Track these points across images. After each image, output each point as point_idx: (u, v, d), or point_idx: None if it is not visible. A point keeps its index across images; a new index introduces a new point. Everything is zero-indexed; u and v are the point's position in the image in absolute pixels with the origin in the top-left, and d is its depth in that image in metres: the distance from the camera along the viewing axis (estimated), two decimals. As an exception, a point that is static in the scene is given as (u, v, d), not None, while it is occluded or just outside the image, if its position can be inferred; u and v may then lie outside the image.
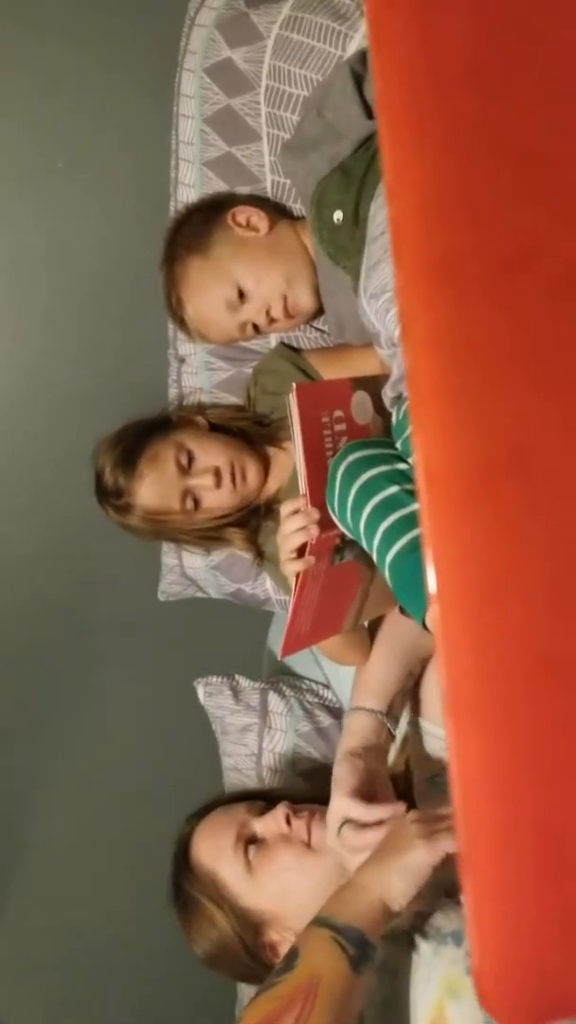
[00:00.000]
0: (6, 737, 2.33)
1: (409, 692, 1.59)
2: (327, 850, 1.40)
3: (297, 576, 1.32)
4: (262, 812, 1.51)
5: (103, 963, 2.40)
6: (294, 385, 1.27)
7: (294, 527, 1.32)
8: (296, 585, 1.32)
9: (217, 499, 1.80)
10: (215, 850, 1.49)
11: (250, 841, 1.47)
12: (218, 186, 1.91)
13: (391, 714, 1.52)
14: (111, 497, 1.81)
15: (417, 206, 0.53)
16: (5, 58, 2.02)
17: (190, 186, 1.93)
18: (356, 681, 1.57)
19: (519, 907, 0.54)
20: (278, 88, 1.81)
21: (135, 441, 1.81)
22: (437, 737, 1.54)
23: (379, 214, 1.36)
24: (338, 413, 1.35)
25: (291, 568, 1.33)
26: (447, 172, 0.54)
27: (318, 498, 1.30)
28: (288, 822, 1.46)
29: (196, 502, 1.80)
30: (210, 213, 1.83)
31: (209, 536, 1.88)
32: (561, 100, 0.56)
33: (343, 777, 1.41)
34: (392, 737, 1.53)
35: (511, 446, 0.54)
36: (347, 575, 1.40)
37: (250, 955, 1.45)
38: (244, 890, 1.44)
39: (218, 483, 1.78)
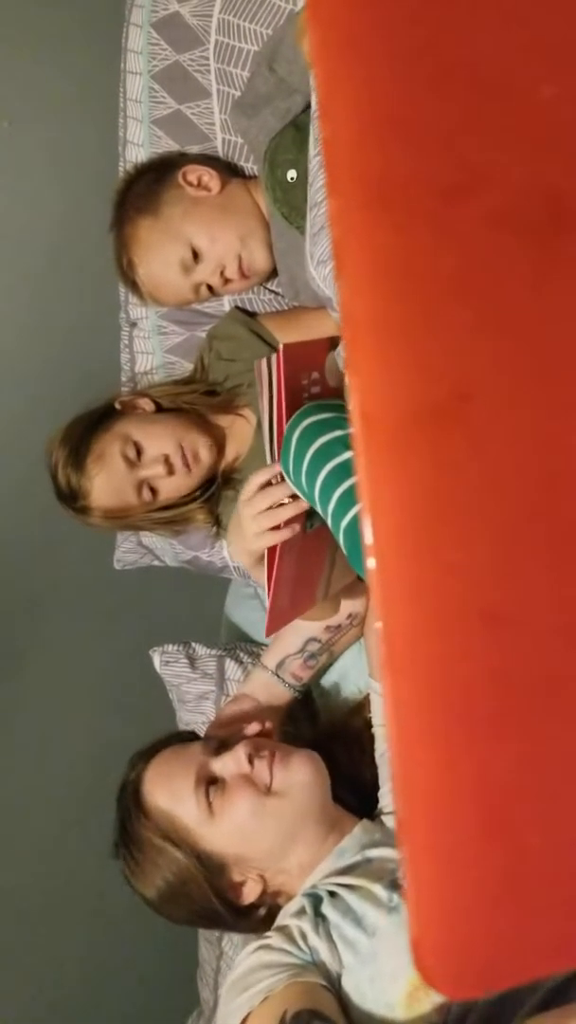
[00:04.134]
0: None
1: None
2: (289, 791, 1.39)
3: (272, 550, 1.29)
4: (219, 751, 1.46)
5: (58, 932, 2.40)
6: (281, 345, 1.24)
7: (267, 503, 1.28)
8: (274, 558, 1.29)
9: (173, 484, 1.76)
10: (173, 792, 1.42)
11: (211, 782, 1.41)
12: (168, 145, 1.87)
13: (283, 670, 1.64)
14: (68, 501, 1.77)
15: (353, 127, 0.50)
16: None
17: (139, 145, 1.89)
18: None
19: (459, 873, 0.51)
20: (228, 43, 1.77)
21: (81, 439, 1.75)
22: (378, 693, 1.54)
23: (320, 175, 1.33)
24: (315, 375, 1.32)
25: (264, 542, 1.29)
26: (386, 90, 0.50)
27: None
28: (250, 762, 1.41)
29: (153, 491, 1.76)
30: (160, 173, 1.79)
31: (173, 519, 1.85)
32: (510, 25, 0.53)
33: (228, 710, 1.60)
34: (294, 694, 1.66)
35: (452, 386, 0.51)
36: (318, 541, 1.37)
37: (216, 895, 1.41)
38: (206, 833, 1.39)
39: (170, 470, 1.74)
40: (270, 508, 1.28)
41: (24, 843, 2.37)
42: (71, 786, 2.22)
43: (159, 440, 1.75)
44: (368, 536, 0.50)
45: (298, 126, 1.63)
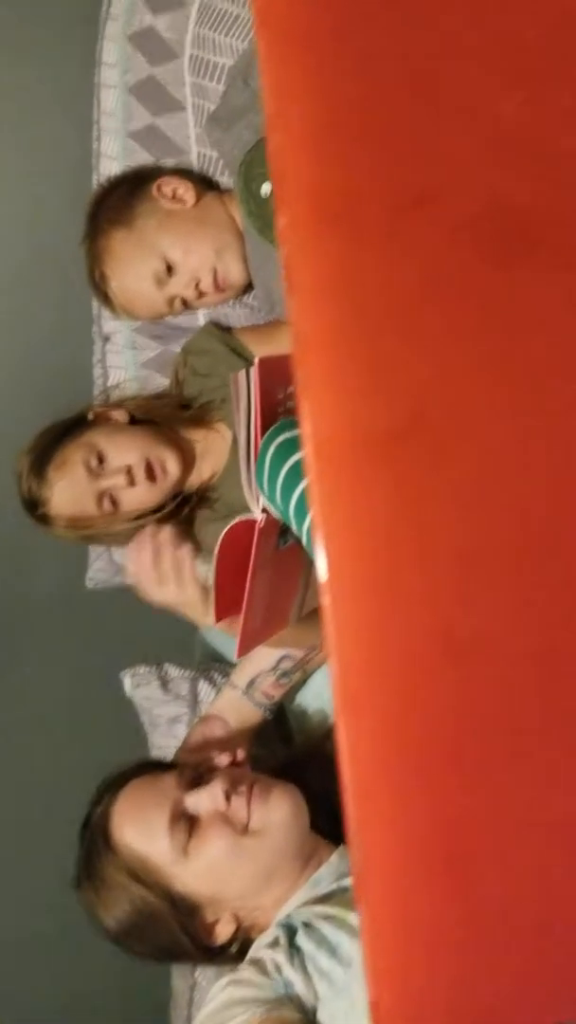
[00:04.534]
0: None
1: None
2: (267, 830, 1.34)
3: (243, 584, 1.27)
4: (193, 784, 1.40)
5: (22, 961, 2.36)
6: (256, 359, 1.21)
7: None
8: (247, 581, 1.27)
9: (135, 497, 1.72)
10: (144, 830, 1.36)
11: (186, 820, 1.35)
12: (143, 158, 1.86)
13: (254, 689, 1.63)
14: (31, 509, 1.74)
15: (304, 136, 0.47)
16: None
17: (113, 158, 1.88)
18: None
19: (416, 930, 0.49)
20: (202, 57, 1.77)
21: (47, 448, 1.72)
22: None
23: None
24: (291, 389, 1.29)
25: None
26: (337, 100, 0.48)
27: None
28: (227, 799, 1.36)
29: (115, 503, 1.73)
30: (134, 185, 1.77)
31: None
32: (469, 34, 0.51)
33: (197, 732, 1.62)
34: (265, 713, 1.65)
35: (408, 405, 0.48)
36: (292, 560, 1.34)
37: (186, 934, 1.36)
38: (179, 873, 1.34)
39: (131, 481, 1.70)
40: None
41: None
42: (35, 812, 2.17)
43: (124, 451, 1.71)
44: (322, 570, 0.47)
45: (273, 140, 1.61)
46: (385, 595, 0.48)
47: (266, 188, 1.63)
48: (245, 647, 1.35)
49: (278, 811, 1.36)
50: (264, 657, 1.62)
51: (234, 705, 1.63)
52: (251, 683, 1.62)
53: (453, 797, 0.48)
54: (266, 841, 1.34)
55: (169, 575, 1.57)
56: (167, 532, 1.58)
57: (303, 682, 1.75)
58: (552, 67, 0.49)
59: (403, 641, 0.48)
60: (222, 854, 1.33)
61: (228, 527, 1.27)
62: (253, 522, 1.26)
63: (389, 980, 0.48)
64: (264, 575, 1.30)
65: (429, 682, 0.49)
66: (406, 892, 0.48)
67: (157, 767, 1.51)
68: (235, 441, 1.62)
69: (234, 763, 1.46)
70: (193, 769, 1.45)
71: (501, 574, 0.51)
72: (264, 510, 1.26)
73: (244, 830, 1.34)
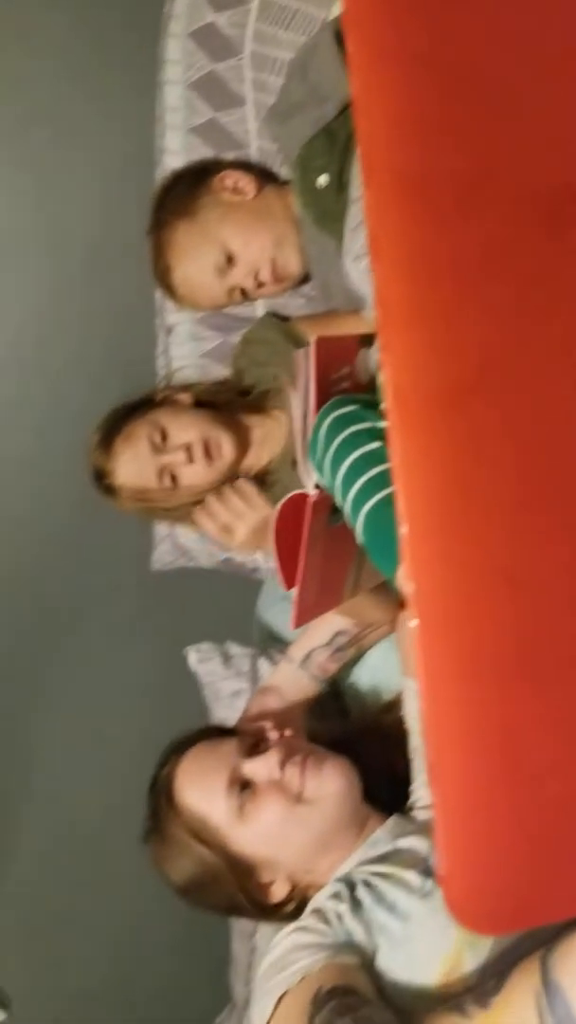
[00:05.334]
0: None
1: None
2: (320, 800, 1.40)
3: (295, 558, 1.33)
4: (251, 752, 1.46)
5: (91, 924, 2.43)
6: (313, 337, 1.26)
7: None
8: (300, 551, 1.32)
9: (193, 474, 1.80)
10: (204, 792, 1.43)
11: (243, 785, 1.41)
12: (204, 152, 1.91)
13: (309, 662, 1.67)
14: (97, 479, 1.83)
15: (386, 124, 0.53)
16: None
17: (176, 153, 1.92)
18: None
19: (485, 814, 0.54)
20: (263, 52, 1.81)
21: (115, 423, 1.82)
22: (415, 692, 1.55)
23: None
24: (346, 369, 1.34)
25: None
26: (415, 89, 0.53)
27: None
28: (282, 768, 1.41)
29: (174, 479, 1.80)
30: (197, 178, 1.82)
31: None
32: (530, 29, 0.56)
33: (254, 704, 1.66)
34: (320, 688, 1.68)
35: (477, 363, 0.54)
36: (344, 536, 1.39)
37: (242, 892, 1.43)
38: (235, 835, 1.40)
39: (190, 459, 1.78)
40: None
41: (62, 834, 2.41)
42: (108, 778, 2.24)
43: (185, 430, 1.79)
44: (400, 503, 0.53)
45: (329, 133, 1.65)
46: (453, 531, 0.54)
47: (323, 180, 1.66)
48: (300, 619, 1.40)
49: (331, 782, 1.41)
50: (319, 632, 1.66)
51: (290, 677, 1.68)
52: (307, 656, 1.67)
53: (516, 702, 0.53)
54: (318, 810, 1.40)
55: (238, 506, 1.64)
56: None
57: (359, 658, 1.80)
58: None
59: (468, 570, 0.54)
60: (276, 819, 1.39)
61: (283, 500, 1.33)
62: (306, 497, 1.31)
63: (459, 857, 0.53)
64: (317, 550, 1.35)
65: (491, 605, 0.54)
66: (475, 779, 0.54)
67: (220, 733, 1.58)
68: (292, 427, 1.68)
69: (283, 737, 1.51)
70: (252, 737, 1.51)
71: (553, 522, 0.56)
72: (317, 487, 1.31)
73: (298, 798, 1.39)
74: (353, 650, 1.70)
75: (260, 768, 1.42)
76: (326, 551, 1.37)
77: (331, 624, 1.65)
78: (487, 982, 1.09)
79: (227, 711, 1.89)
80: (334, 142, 1.63)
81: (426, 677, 0.53)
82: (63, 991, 2.45)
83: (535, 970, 1.01)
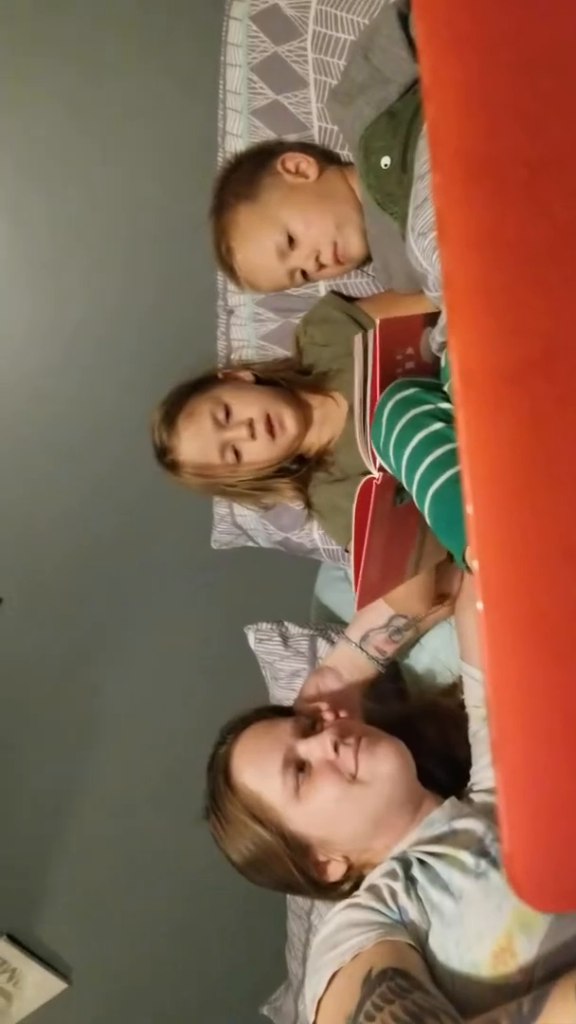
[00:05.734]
0: (65, 678, 2.38)
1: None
2: (374, 780, 1.41)
3: (362, 524, 1.34)
4: (306, 733, 1.48)
5: (152, 903, 2.47)
6: (378, 319, 1.27)
7: None
8: (363, 532, 1.33)
9: (256, 450, 1.82)
10: (260, 772, 1.46)
11: (298, 765, 1.44)
12: (265, 135, 1.91)
13: (367, 643, 1.69)
14: (160, 456, 1.86)
15: (455, 108, 0.54)
16: (52, 9, 2.02)
17: (238, 136, 1.93)
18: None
19: (549, 792, 0.55)
20: (325, 33, 1.80)
21: (177, 400, 1.85)
22: (474, 679, 1.55)
23: (426, 151, 1.35)
24: (409, 350, 1.34)
25: None
26: (484, 73, 0.54)
27: None
28: (336, 749, 1.43)
29: (237, 454, 1.82)
30: (259, 161, 1.83)
31: (259, 488, 1.90)
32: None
33: (311, 683, 1.68)
34: (378, 668, 1.70)
35: (542, 345, 0.54)
36: (407, 517, 1.40)
37: (299, 870, 1.45)
38: (291, 814, 1.43)
39: (252, 434, 1.79)
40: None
41: (122, 809, 2.45)
42: (170, 754, 2.28)
43: (247, 406, 1.81)
44: (466, 483, 0.54)
45: (392, 114, 1.65)
46: (518, 508, 0.55)
47: (386, 161, 1.66)
48: (364, 599, 1.41)
49: (385, 763, 1.42)
50: (377, 614, 1.68)
51: (348, 657, 1.70)
52: (364, 637, 1.69)
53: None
54: (373, 790, 1.41)
55: None
56: None
57: (416, 641, 1.81)
58: None
59: (532, 546, 0.55)
60: (331, 799, 1.40)
61: (359, 486, 1.34)
62: (372, 480, 1.32)
63: (522, 835, 0.54)
64: (381, 531, 1.36)
65: (554, 581, 0.55)
66: (539, 759, 0.55)
67: (275, 712, 1.60)
68: (351, 409, 1.69)
69: (337, 717, 1.53)
70: (307, 717, 1.53)
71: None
72: (380, 468, 1.32)
73: (352, 779, 1.41)
74: (411, 632, 1.71)
75: (315, 748, 1.44)
76: (390, 531, 1.38)
77: (386, 604, 1.66)
78: (523, 1007, 1.08)
79: (286, 691, 1.91)
80: (397, 124, 1.62)
81: (490, 659, 0.54)
82: (122, 964, 2.50)
83: (572, 997, 1.02)
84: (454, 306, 0.54)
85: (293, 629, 1.96)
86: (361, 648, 1.69)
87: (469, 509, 0.54)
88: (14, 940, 2.43)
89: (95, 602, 2.38)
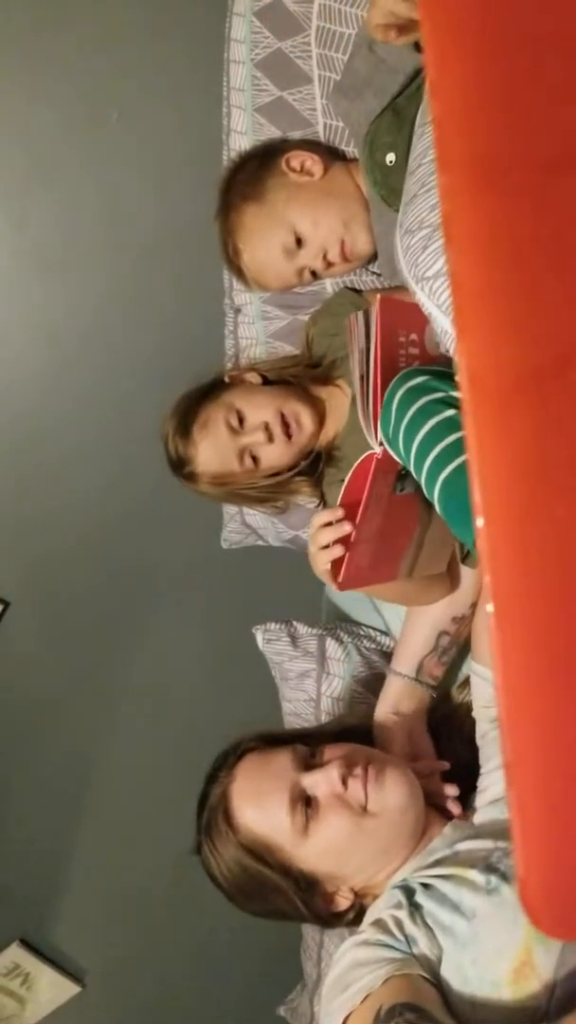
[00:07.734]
0: (76, 680, 2.38)
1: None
2: (384, 811, 1.38)
3: (355, 515, 1.32)
4: (308, 765, 1.43)
5: (168, 902, 2.46)
6: (378, 297, 1.25)
7: (325, 541, 1.36)
8: (359, 511, 1.31)
9: (274, 453, 1.80)
10: (265, 812, 1.40)
11: (305, 803, 1.38)
12: (270, 132, 1.90)
13: (422, 673, 1.62)
14: (177, 468, 1.84)
15: (461, 106, 0.52)
16: (54, 12, 2.01)
17: (242, 133, 1.92)
18: (396, 644, 1.67)
19: (565, 817, 0.53)
20: (329, 28, 1.79)
21: (189, 410, 1.83)
22: (484, 679, 1.53)
23: (418, 144, 1.34)
24: (413, 336, 1.31)
25: (322, 560, 1.37)
26: (491, 70, 0.52)
27: None
28: (344, 782, 1.38)
29: (255, 459, 1.80)
30: (264, 159, 1.82)
31: (278, 491, 1.89)
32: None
33: (389, 737, 1.58)
34: (432, 694, 1.64)
35: (554, 350, 0.53)
36: (406, 511, 1.37)
37: (305, 905, 1.42)
38: (299, 853, 1.38)
39: (270, 437, 1.78)
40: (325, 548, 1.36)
41: (134, 810, 2.45)
42: (182, 756, 2.26)
43: (260, 409, 1.80)
44: (476, 494, 0.52)
45: (397, 110, 1.64)
46: (532, 519, 0.53)
47: (391, 157, 1.64)
48: (348, 582, 1.36)
49: (394, 792, 1.39)
50: (421, 637, 1.63)
51: (408, 692, 1.64)
52: (419, 667, 1.63)
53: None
54: (384, 820, 1.37)
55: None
56: None
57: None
58: None
59: (548, 559, 0.53)
60: (343, 834, 1.36)
61: (358, 461, 1.32)
62: (373, 456, 1.30)
63: (537, 859, 0.53)
64: (377, 514, 1.33)
65: (571, 595, 0.53)
66: (553, 781, 0.53)
67: (267, 742, 1.52)
68: (354, 398, 1.67)
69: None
70: (305, 747, 1.47)
71: None
72: (382, 444, 1.29)
73: (363, 811, 1.37)
74: (454, 650, 1.67)
75: (321, 782, 1.39)
76: (387, 518, 1.35)
77: (433, 625, 1.62)
78: None
79: (295, 692, 1.90)
80: (401, 120, 1.61)
81: (503, 668, 0.52)
82: (135, 967, 2.49)
83: None
84: (462, 310, 0.53)
85: (302, 629, 1.95)
86: (418, 680, 1.64)
87: (479, 522, 0.53)
88: (27, 945, 2.43)
89: (103, 606, 2.37)
